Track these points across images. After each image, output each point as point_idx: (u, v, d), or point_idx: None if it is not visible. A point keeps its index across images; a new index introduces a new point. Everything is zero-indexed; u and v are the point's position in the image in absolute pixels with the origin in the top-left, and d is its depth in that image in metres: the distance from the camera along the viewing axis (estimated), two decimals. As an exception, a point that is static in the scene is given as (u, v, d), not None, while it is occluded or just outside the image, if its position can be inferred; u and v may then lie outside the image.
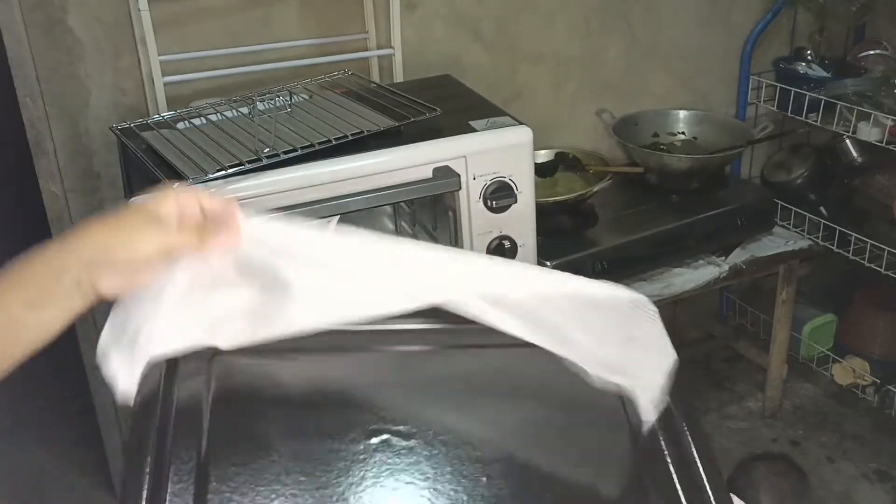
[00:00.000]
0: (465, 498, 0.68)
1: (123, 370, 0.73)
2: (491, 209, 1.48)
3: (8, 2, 1.63)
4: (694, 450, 0.73)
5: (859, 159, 2.32)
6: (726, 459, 2.13)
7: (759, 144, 2.31)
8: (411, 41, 1.89)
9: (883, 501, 2.11)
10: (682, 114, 2.29)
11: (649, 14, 2.25)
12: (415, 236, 1.67)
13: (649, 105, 2.29)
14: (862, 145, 2.23)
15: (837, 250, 2.20)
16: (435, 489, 0.68)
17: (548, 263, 1.78)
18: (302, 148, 1.36)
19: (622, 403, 0.76)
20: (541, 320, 0.77)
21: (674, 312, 2.57)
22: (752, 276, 2.17)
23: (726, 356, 2.61)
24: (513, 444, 0.75)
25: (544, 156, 2.09)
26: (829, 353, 2.37)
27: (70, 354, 1.86)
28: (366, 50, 1.91)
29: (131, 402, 0.72)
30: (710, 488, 0.69)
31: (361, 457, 0.70)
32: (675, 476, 0.71)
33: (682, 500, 0.69)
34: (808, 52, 2.40)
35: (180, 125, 1.52)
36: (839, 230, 2.19)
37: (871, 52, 2.36)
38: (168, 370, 0.74)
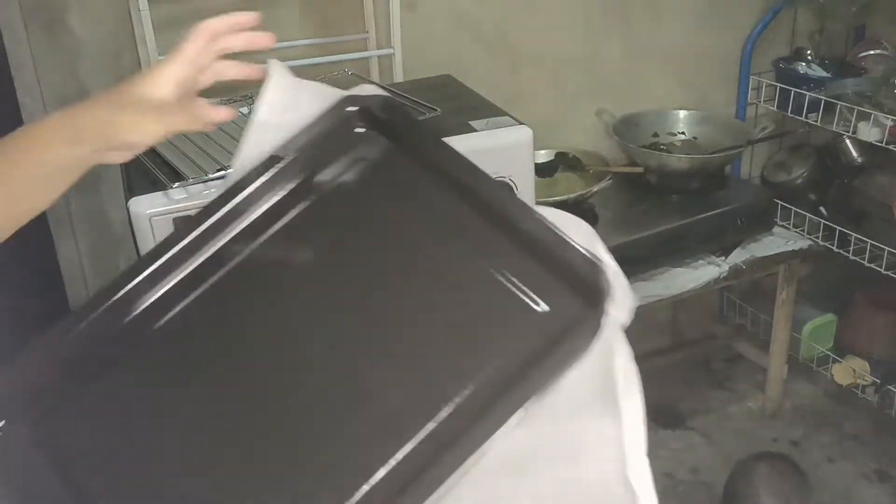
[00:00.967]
0: None
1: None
2: (491, 209, 1.47)
3: (8, 2, 1.63)
4: None
5: (859, 159, 2.32)
6: (726, 459, 2.13)
7: (759, 144, 2.31)
8: (411, 41, 1.89)
9: (883, 501, 2.11)
10: (682, 114, 2.29)
11: (649, 14, 2.25)
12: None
13: (649, 105, 2.29)
14: (862, 145, 2.23)
15: (837, 250, 2.20)
16: None
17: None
18: (302, 148, 1.36)
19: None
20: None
21: (674, 312, 2.58)
22: (752, 276, 2.16)
23: (726, 356, 2.61)
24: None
25: (544, 156, 2.09)
26: (829, 353, 2.37)
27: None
28: (366, 50, 1.91)
29: None
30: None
31: None
32: None
33: None
34: (808, 52, 2.40)
35: (180, 125, 1.51)
36: (839, 230, 2.19)
37: (871, 52, 2.35)
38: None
